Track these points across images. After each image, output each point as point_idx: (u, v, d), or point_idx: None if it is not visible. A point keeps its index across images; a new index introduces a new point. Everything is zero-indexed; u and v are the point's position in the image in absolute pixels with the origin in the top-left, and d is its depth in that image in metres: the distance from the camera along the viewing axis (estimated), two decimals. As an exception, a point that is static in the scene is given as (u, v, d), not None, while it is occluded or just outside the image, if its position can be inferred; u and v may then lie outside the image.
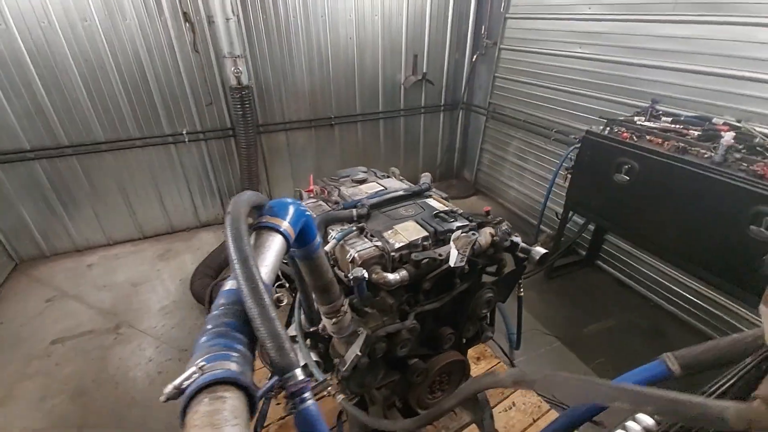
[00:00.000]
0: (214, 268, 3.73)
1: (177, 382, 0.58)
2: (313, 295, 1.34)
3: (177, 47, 3.73)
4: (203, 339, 0.69)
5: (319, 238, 1.21)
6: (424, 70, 4.85)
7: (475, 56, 4.94)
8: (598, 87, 3.63)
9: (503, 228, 1.75)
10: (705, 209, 2.37)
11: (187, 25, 3.67)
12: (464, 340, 2.01)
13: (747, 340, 0.91)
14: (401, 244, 1.51)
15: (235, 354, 0.65)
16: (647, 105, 3.12)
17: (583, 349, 3.05)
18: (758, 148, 2.33)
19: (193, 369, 0.58)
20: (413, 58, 4.74)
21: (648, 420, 0.71)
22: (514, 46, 4.44)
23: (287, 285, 1.97)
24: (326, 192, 2.05)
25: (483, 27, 4.75)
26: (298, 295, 1.58)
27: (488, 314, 1.99)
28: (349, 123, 4.82)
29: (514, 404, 2.43)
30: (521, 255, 1.81)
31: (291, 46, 4.14)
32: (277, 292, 1.91)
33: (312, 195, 2.05)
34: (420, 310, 1.63)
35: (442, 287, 1.68)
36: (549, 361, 2.93)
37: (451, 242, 1.44)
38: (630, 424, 0.71)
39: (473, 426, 2.16)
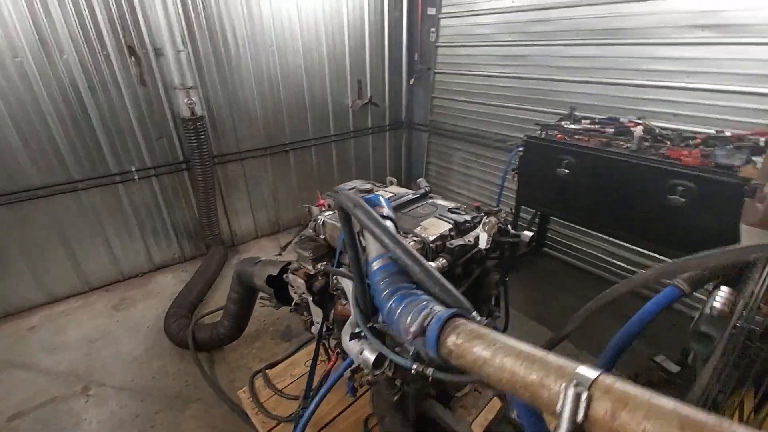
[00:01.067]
0: (187, 307, 3.52)
1: (419, 321, 0.73)
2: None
3: (122, 81, 3.55)
4: (395, 300, 0.83)
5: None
6: (369, 94, 5.18)
7: (411, 80, 5.43)
8: (524, 100, 4.28)
9: (502, 216, 2.06)
10: (632, 188, 2.95)
11: (133, 59, 3.54)
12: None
13: (731, 255, 1.28)
14: (435, 236, 1.72)
15: (431, 301, 0.80)
16: (567, 112, 3.77)
17: (556, 325, 3.49)
18: (659, 138, 3.01)
19: (427, 311, 0.73)
20: (357, 83, 5.06)
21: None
22: (447, 70, 5.00)
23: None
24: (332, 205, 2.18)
25: (416, 54, 5.26)
26: (351, 297, 1.66)
27: (495, 296, 2.27)
28: (303, 148, 4.93)
29: (515, 377, 2.72)
30: (513, 240, 2.13)
31: (242, 76, 4.18)
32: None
33: (324, 208, 2.15)
34: (452, 295, 1.84)
35: (463, 274, 1.91)
36: (533, 337, 3.30)
37: (481, 227, 1.69)
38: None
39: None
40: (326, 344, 2.32)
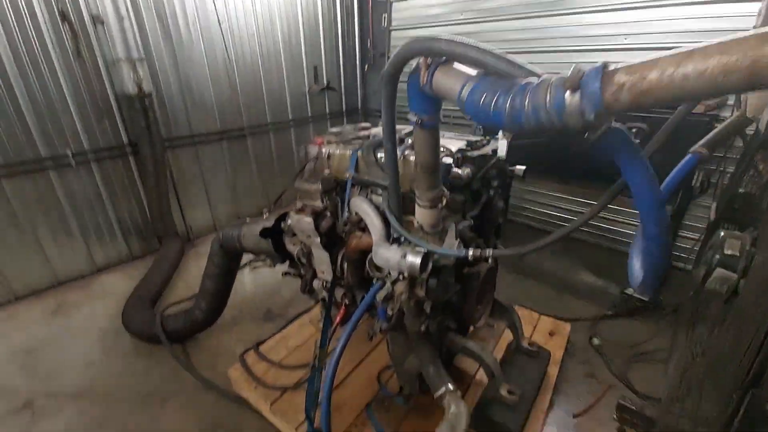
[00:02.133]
0: (148, 301, 3.11)
1: (570, 78, 0.69)
2: (420, 181, 1.40)
3: (54, 54, 3.11)
4: (516, 93, 0.80)
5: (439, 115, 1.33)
6: (326, 79, 5.12)
7: (366, 66, 5.47)
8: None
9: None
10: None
11: (66, 26, 3.12)
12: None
13: (735, 121, 1.43)
14: (457, 149, 1.71)
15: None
16: (521, 82, 4.05)
17: (531, 275, 3.66)
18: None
19: (574, 71, 0.70)
20: (314, 69, 4.97)
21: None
22: (401, 54, 5.11)
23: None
24: (335, 141, 2.08)
25: (369, 41, 5.33)
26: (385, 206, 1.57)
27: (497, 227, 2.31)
28: (261, 133, 4.69)
29: (514, 319, 2.77)
30: (512, 170, 2.21)
31: (193, 54, 3.89)
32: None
33: (322, 145, 2.03)
34: (472, 215, 1.83)
35: (482, 186, 1.92)
36: (517, 287, 3.44)
37: (500, 134, 1.71)
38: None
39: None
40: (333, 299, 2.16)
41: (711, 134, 1.39)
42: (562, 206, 4.21)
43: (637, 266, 1.21)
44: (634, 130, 2.00)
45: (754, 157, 1.27)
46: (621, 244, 3.94)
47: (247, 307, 3.28)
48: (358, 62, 5.49)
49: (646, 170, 0.83)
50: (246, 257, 2.77)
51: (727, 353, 0.76)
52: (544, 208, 4.37)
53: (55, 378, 2.57)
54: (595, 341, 2.82)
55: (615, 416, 2.03)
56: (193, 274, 3.73)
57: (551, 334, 2.71)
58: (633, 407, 1.99)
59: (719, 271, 0.98)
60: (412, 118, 1.22)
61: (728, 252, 0.99)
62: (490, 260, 1.31)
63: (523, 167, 2.29)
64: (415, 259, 1.39)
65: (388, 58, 5.17)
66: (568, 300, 3.34)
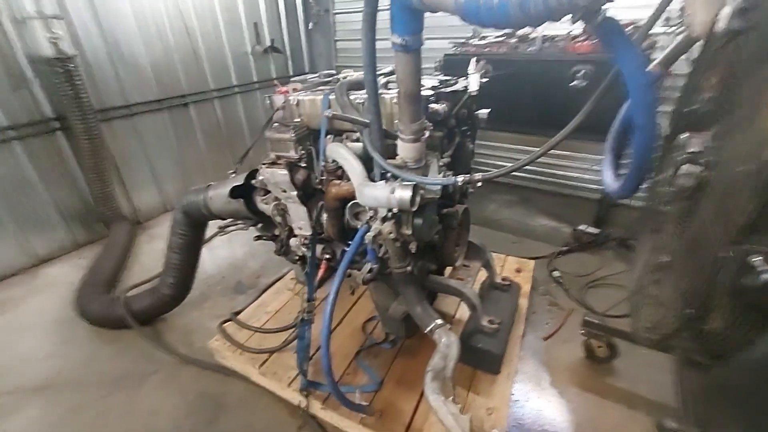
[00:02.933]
0: (103, 285, 2.89)
1: None
2: (403, 113, 1.38)
3: (-58, 9, 2.63)
4: None
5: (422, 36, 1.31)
6: (270, 38, 4.81)
7: (310, 25, 5.20)
8: (432, 30, 4.43)
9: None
10: (542, 83, 3.35)
11: (-47, -24, 2.64)
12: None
13: (684, 41, 1.54)
14: (431, 85, 1.71)
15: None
16: (471, 33, 4.05)
17: (493, 223, 3.85)
18: (554, 39, 3.46)
19: None
20: (254, 26, 4.64)
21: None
22: (348, 9, 4.90)
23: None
24: (300, 89, 2.00)
25: (310, -3, 5.05)
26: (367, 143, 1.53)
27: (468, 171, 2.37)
28: (205, 101, 4.36)
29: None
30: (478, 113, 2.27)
31: (119, 12, 3.46)
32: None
33: (288, 94, 1.93)
34: (448, 154, 1.86)
35: (449, 138, 1.96)
36: (481, 236, 3.60)
37: (471, 67, 1.73)
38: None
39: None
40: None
41: (663, 54, 1.50)
42: (518, 158, 4.39)
43: (608, 176, 1.31)
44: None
45: (699, 77, 1.39)
46: (570, 189, 4.22)
47: (215, 283, 3.16)
48: (301, 20, 5.20)
49: (636, 54, 0.90)
50: (213, 229, 2.63)
51: (707, 227, 0.86)
52: (501, 161, 4.54)
53: (12, 375, 2.35)
54: (555, 274, 3.06)
55: (581, 331, 2.26)
56: (148, 257, 3.49)
57: (518, 271, 2.90)
58: (596, 321, 2.22)
59: (687, 167, 1.09)
60: (396, 40, 1.19)
61: (693, 149, 1.10)
62: (478, 184, 1.34)
63: (488, 110, 2.35)
64: (404, 193, 1.40)
65: (334, 14, 4.96)
66: (528, 243, 3.56)
